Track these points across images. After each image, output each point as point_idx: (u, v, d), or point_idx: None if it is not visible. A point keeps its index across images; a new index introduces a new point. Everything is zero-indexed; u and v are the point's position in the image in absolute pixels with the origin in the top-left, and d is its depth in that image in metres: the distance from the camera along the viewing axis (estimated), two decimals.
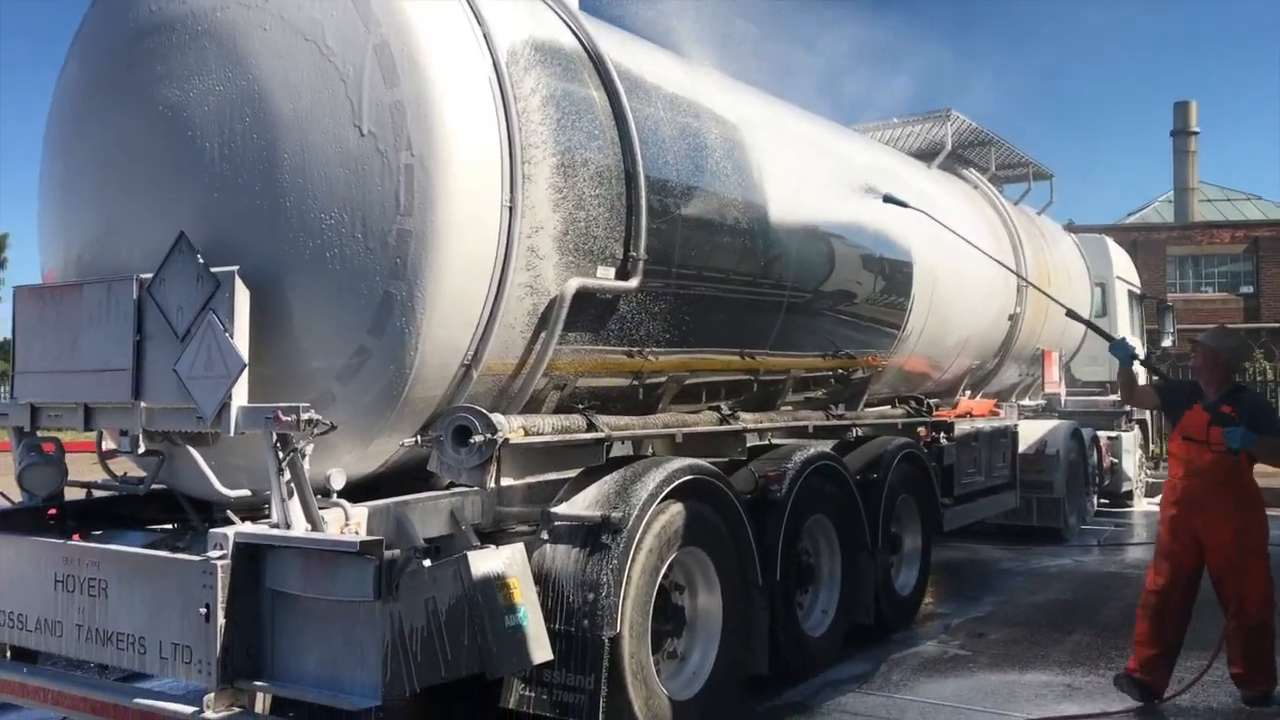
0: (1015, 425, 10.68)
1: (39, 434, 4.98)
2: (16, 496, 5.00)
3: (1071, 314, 7.81)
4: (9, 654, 4.70)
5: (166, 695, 4.19)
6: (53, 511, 4.99)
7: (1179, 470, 5.91)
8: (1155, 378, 6.44)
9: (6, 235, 47.44)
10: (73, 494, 5.24)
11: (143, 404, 4.44)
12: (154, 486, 5.10)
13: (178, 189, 4.60)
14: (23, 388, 4.87)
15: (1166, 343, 16.67)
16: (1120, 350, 6.30)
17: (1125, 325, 15.25)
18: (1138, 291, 16.35)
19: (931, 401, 9.06)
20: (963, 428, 9.24)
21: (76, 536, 4.77)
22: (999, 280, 10.29)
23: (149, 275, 4.41)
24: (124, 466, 5.35)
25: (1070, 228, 14.18)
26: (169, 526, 5.31)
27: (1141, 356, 6.35)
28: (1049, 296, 8.02)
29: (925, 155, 10.63)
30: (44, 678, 4.45)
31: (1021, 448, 11.16)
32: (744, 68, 7.31)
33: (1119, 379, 6.66)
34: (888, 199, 7.76)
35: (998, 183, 12.19)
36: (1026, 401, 12.45)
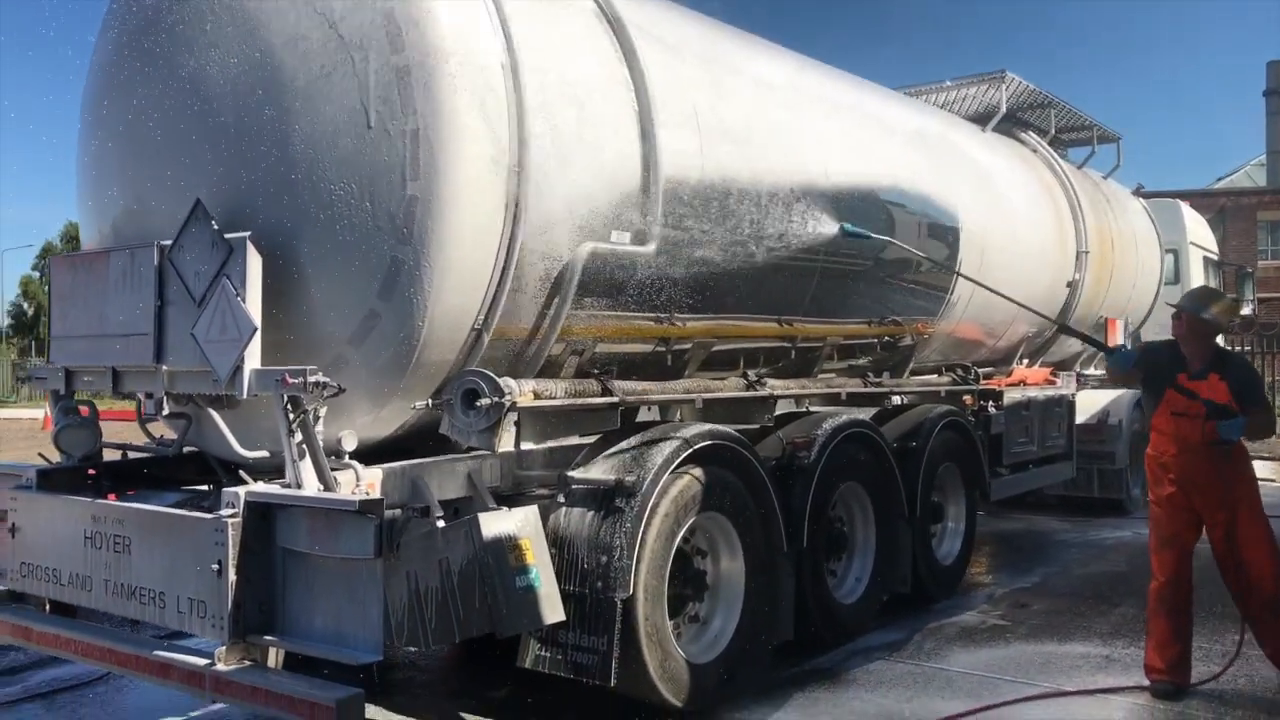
0: (1072, 394, 10.44)
1: (75, 398, 5.16)
2: (55, 458, 5.19)
3: (1064, 329, 7.74)
4: (48, 608, 4.91)
5: (185, 648, 4.33)
6: (92, 471, 5.17)
7: (1170, 448, 5.63)
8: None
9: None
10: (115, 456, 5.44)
11: (164, 367, 4.58)
12: (190, 449, 5.27)
13: (198, 159, 4.71)
14: (58, 352, 5.06)
15: (1246, 310, 16.12)
16: (1118, 362, 5.97)
17: None
18: (1214, 258, 15.81)
19: (980, 370, 8.90)
20: (1013, 396, 9.05)
21: (112, 496, 4.93)
22: (1055, 246, 10.04)
23: (170, 242, 4.53)
24: (163, 430, 5.53)
25: (1140, 192, 13.72)
26: (204, 488, 5.47)
27: (1135, 358, 6.08)
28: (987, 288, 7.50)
29: (981, 119, 10.38)
30: (75, 630, 4.64)
31: (1082, 418, 10.93)
32: (782, 30, 7.22)
33: (1109, 375, 6.43)
34: (846, 233, 6.64)
35: (1060, 146, 11.86)
36: (1091, 371, 12.17)
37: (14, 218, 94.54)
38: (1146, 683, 5.66)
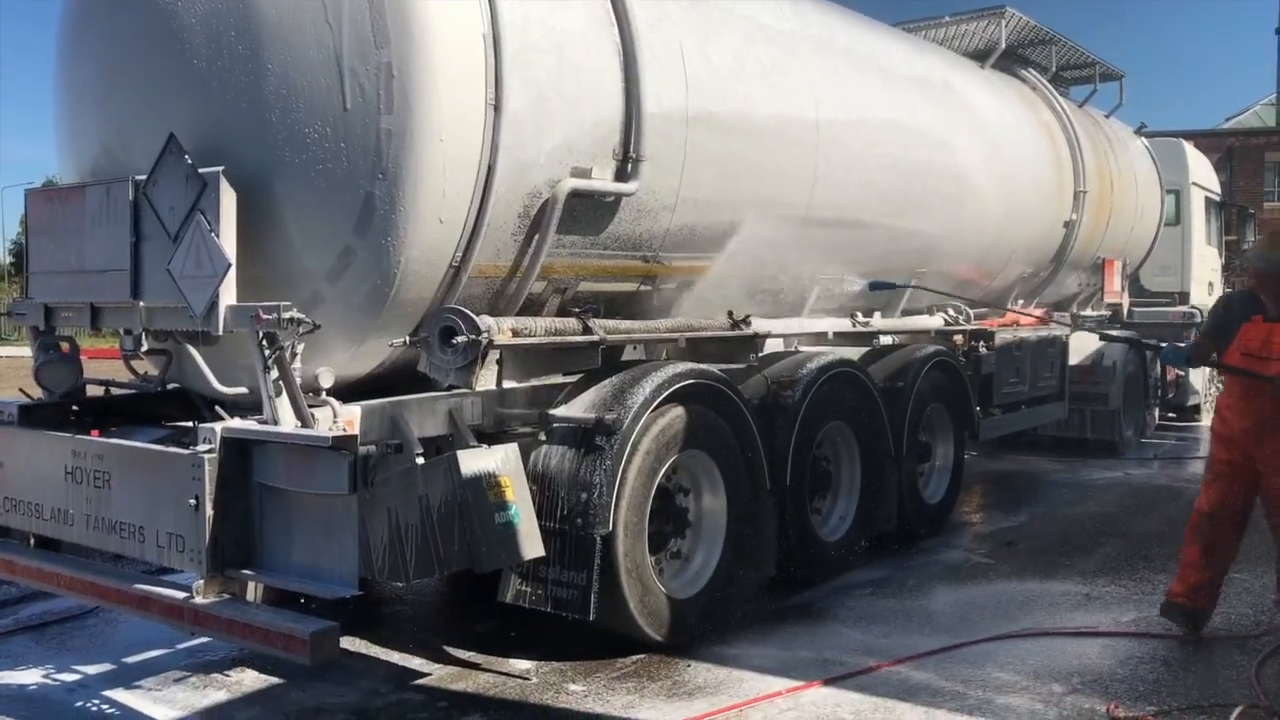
0: (1065, 335, 10.41)
1: (56, 333, 5.15)
2: (37, 393, 5.20)
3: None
4: (32, 542, 4.95)
5: (164, 581, 4.37)
6: (74, 408, 5.18)
7: (1236, 388, 5.52)
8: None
9: None
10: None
11: (141, 304, 4.56)
12: (174, 385, 5.27)
13: (172, 95, 4.64)
14: (37, 288, 5.04)
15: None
16: (1171, 357, 6.37)
17: (1201, 234, 14.68)
18: (1217, 199, 15.66)
19: (971, 310, 8.86)
20: (1004, 336, 9.03)
21: (95, 432, 4.95)
22: (1052, 186, 9.95)
23: (144, 177, 4.49)
24: (148, 366, 5.52)
25: (1142, 132, 13.54)
26: (188, 424, 5.48)
27: (1189, 355, 6.16)
28: None
29: (981, 56, 10.22)
30: (59, 564, 4.68)
31: (1076, 359, 10.92)
32: None
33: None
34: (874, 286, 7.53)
35: (1061, 84, 11.69)
36: (1089, 312, 12.12)
37: (13, 154, 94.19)
38: (1123, 618, 5.72)
